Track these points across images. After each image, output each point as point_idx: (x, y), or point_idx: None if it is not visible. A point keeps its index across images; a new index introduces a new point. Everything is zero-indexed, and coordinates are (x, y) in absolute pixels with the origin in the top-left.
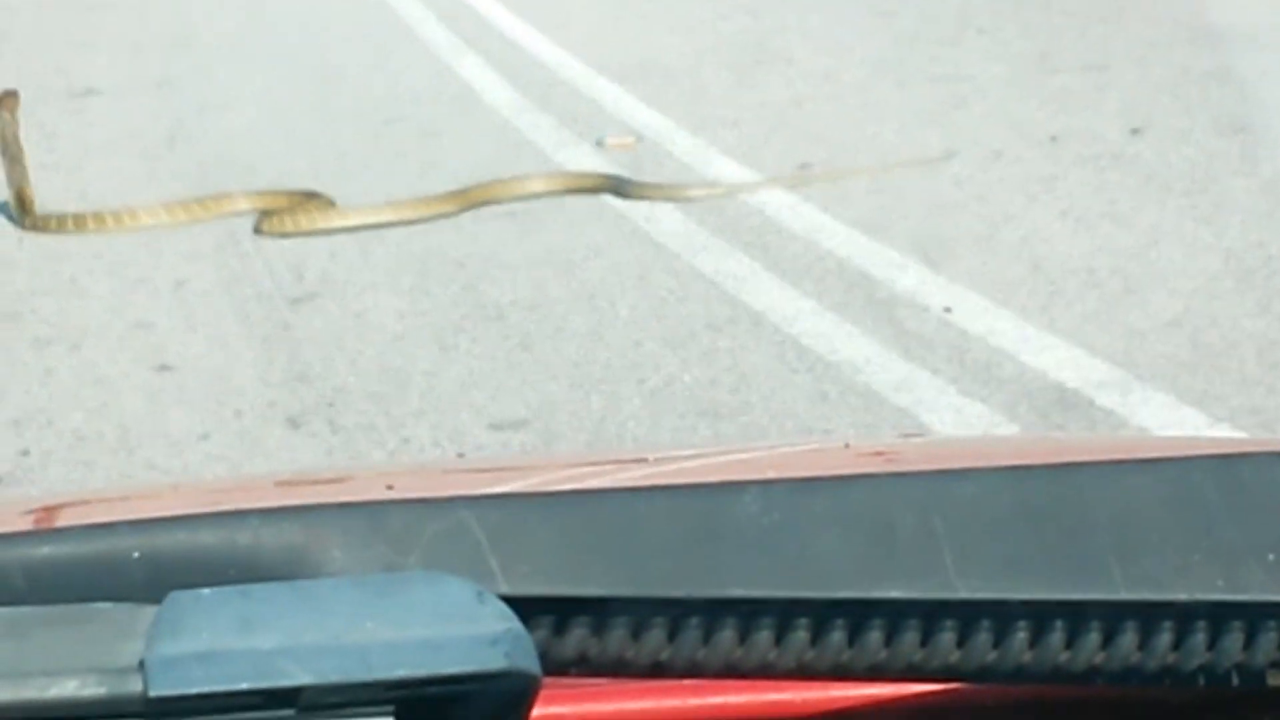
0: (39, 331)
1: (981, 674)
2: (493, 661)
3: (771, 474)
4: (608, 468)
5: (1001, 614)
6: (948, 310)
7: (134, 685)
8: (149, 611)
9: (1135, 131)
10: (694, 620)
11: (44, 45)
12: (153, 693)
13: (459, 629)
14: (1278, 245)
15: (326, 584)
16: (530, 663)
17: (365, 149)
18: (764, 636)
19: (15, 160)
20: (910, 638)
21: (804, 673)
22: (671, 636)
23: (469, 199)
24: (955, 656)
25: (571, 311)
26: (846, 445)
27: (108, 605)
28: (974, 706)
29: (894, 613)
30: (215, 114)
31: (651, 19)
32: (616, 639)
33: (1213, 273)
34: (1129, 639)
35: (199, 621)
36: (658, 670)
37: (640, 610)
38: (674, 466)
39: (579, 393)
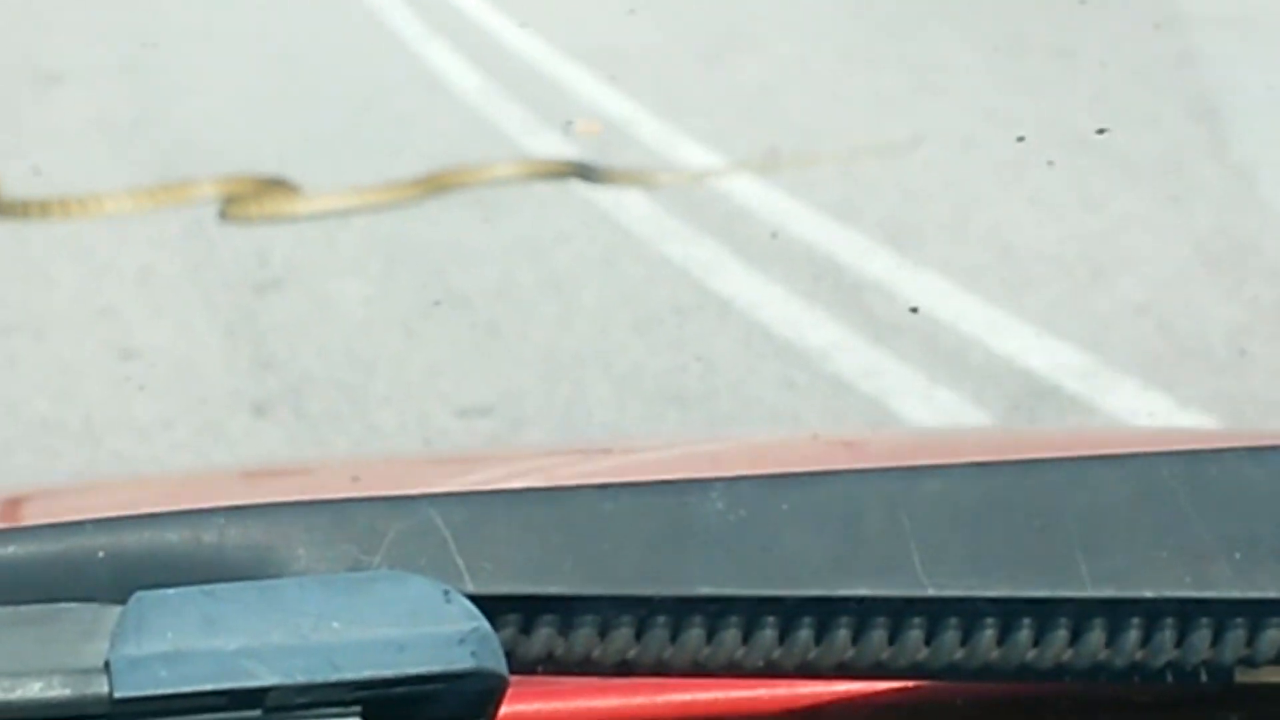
0: (3, 319)
1: (949, 672)
2: (460, 661)
3: (738, 467)
4: (573, 459)
5: (969, 611)
6: (914, 311)
7: (99, 686)
8: (114, 612)
9: (1101, 132)
10: (661, 619)
11: (8, 29)
12: (118, 694)
13: (425, 628)
14: (1246, 231)
15: (292, 583)
16: (497, 662)
17: (331, 135)
18: (731, 635)
19: None
20: (878, 635)
21: (771, 671)
22: (638, 635)
23: (435, 185)
24: (923, 654)
25: (539, 298)
26: (815, 436)
27: (72, 605)
28: (942, 704)
29: (861, 610)
30: (182, 100)
31: (620, 4)
32: (583, 638)
33: (1182, 259)
34: (1096, 636)
35: (164, 622)
36: (625, 669)
37: (607, 609)
38: (639, 458)
39: (546, 379)
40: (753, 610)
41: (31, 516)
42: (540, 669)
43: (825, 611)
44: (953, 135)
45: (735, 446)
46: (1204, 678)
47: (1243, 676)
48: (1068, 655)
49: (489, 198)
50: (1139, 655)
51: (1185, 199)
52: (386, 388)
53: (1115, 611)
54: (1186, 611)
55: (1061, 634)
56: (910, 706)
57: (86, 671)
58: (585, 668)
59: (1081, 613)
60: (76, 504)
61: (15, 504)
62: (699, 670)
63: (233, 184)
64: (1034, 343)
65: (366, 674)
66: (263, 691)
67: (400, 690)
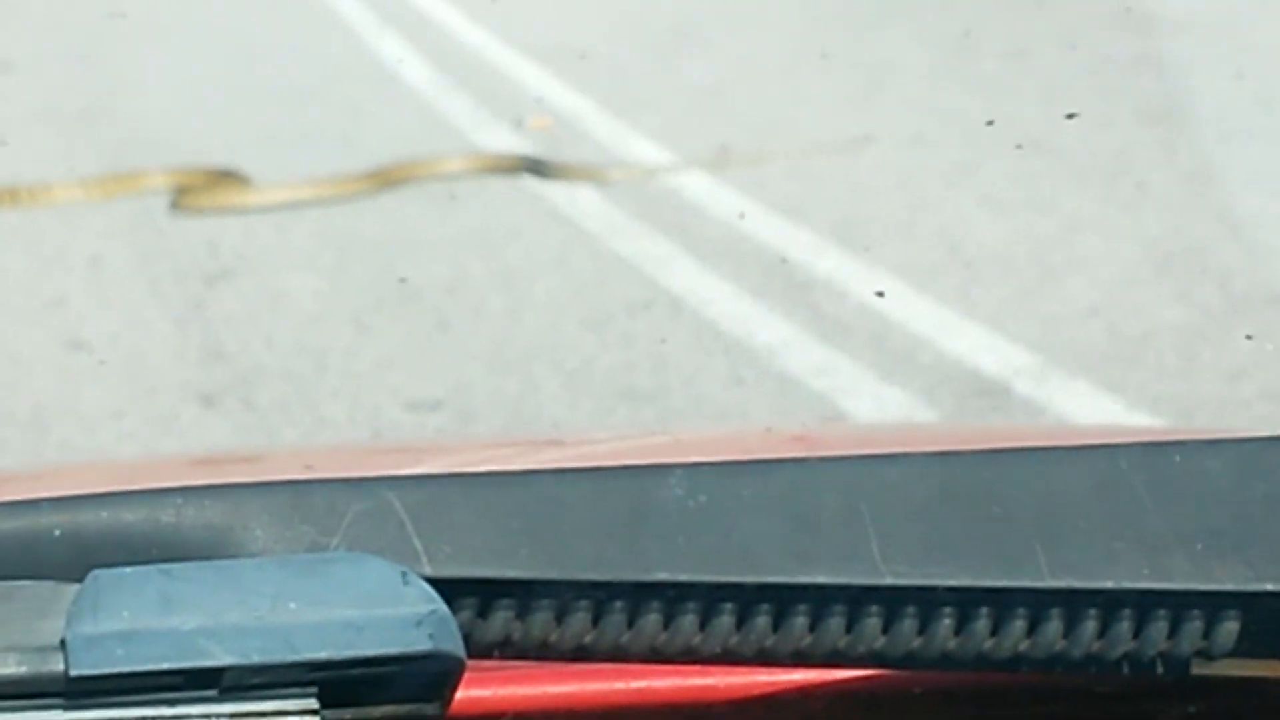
0: None
1: (906, 660)
2: (417, 643)
3: (695, 458)
4: (524, 449)
5: (927, 600)
6: (880, 295)
7: (55, 664)
8: (70, 590)
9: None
10: (618, 604)
11: None
12: (74, 672)
13: (383, 610)
14: (1197, 234)
15: (249, 564)
16: (454, 645)
17: (284, 127)
18: (689, 621)
19: None
20: (835, 623)
21: (729, 658)
22: (596, 620)
23: (387, 178)
24: (880, 643)
25: (489, 292)
26: (768, 430)
27: (28, 583)
28: (899, 693)
29: (819, 598)
30: (134, 91)
31: (570, 2)
32: (540, 622)
33: (1132, 261)
34: (1054, 626)
35: (121, 600)
36: (581, 654)
37: (564, 593)
38: (591, 449)
39: (496, 374)
40: (710, 596)
41: None
42: (497, 653)
43: (783, 599)
44: (904, 134)
45: (689, 439)
46: (1160, 669)
47: (1199, 669)
48: (1025, 645)
49: (440, 192)
50: (1096, 646)
51: (1136, 201)
52: (336, 380)
53: (1073, 602)
54: (1144, 603)
55: (1019, 624)
56: (867, 695)
57: (42, 649)
58: (542, 652)
59: (1039, 603)
60: (30, 487)
61: None
62: (656, 656)
63: (184, 175)
64: (984, 342)
65: (323, 655)
66: (219, 671)
67: (357, 671)
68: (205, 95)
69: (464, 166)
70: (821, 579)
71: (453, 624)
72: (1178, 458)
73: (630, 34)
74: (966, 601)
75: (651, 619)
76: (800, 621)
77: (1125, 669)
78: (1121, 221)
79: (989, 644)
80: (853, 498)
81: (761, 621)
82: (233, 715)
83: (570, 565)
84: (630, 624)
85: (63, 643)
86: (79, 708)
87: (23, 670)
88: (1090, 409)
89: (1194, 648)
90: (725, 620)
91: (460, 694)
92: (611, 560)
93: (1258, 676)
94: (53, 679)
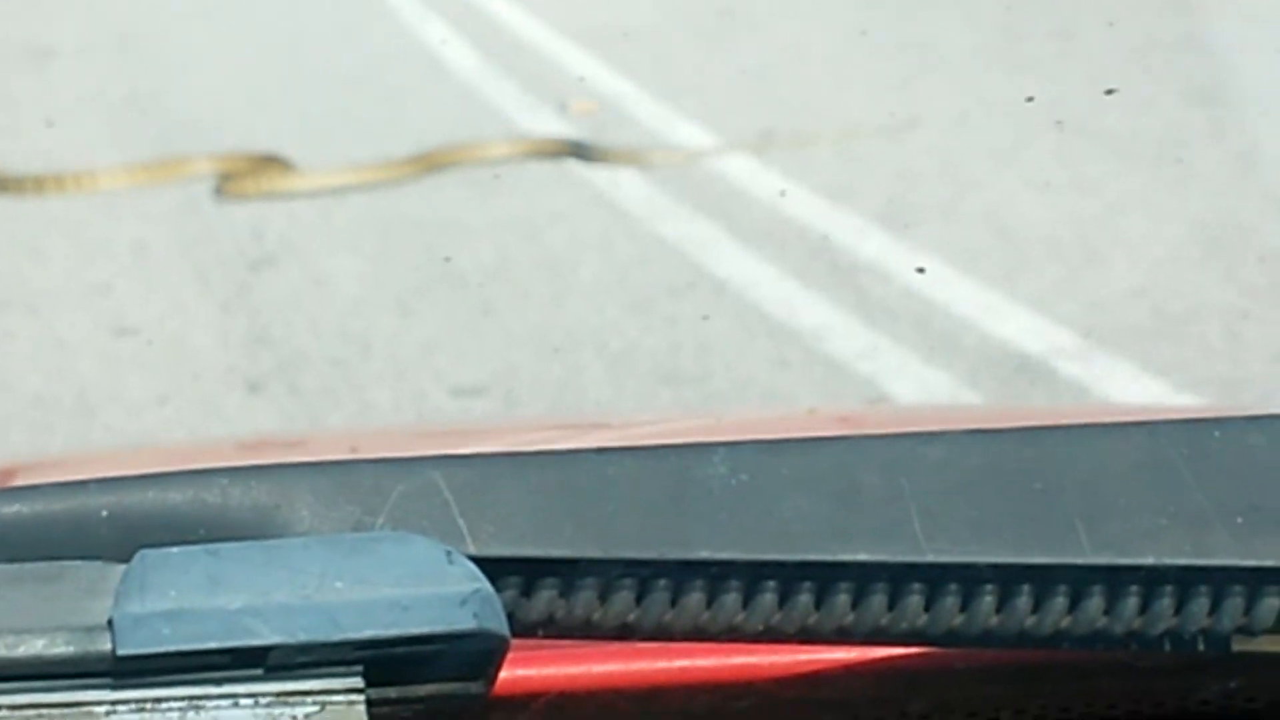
0: None
1: (948, 638)
2: (462, 622)
3: (738, 437)
4: (571, 432)
5: (968, 577)
6: (921, 271)
7: (102, 643)
8: (117, 570)
9: (1109, 91)
10: (662, 582)
11: (2, 2)
12: (121, 651)
13: (428, 589)
14: (1243, 215)
15: (295, 543)
16: (499, 624)
17: (328, 112)
18: (731, 599)
19: None
20: (877, 600)
21: (771, 635)
22: (639, 599)
23: (431, 163)
24: (922, 620)
25: (533, 277)
26: (811, 411)
27: (76, 563)
28: (940, 670)
29: (861, 575)
30: (177, 76)
31: None
32: (584, 601)
33: (1178, 242)
34: (1095, 603)
35: (167, 580)
36: (625, 633)
37: (608, 572)
38: (635, 430)
39: (540, 358)
40: (753, 574)
41: (33, 479)
42: (541, 632)
43: (825, 576)
44: (948, 115)
45: (733, 420)
46: (1201, 646)
47: (1240, 645)
48: (1066, 622)
49: (484, 176)
50: (1137, 623)
51: (1182, 182)
52: (381, 365)
53: (1114, 578)
54: (1185, 579)
55: (1060, 601)
56: (909, 672)
57: (90, 629)
58: (586, 631)
59: (1081, 579)
60: (78, 469)
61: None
62: (699, 635)
63: (228, 161)
64: (1028, 324)
65: (369, 633)
66: (265, 650)
67: (402, 650)
68: (249, 80)
69: (508, 151)
70: (863, 556)
71: (497, 602)
72: (1218, 434)
73: (673, 16)
74: (1008, 578)
75: (694, 597)
76: (842, 599)
77: (1166, 645)
78: (1168, 202)
79: (1030, 621)
80: (894, 475)
81: (804, 599)
82: (278, 694)
83: (613, 544)
84: (673, 602)
85: (110, 622)
86: (126, 686)
87: (70, 649)
88: (1135, 390)
89: (1235, 624)
90: (768, 598)
91: (503, 673)
92: (655, 538)
93: None
94: (100, 658)
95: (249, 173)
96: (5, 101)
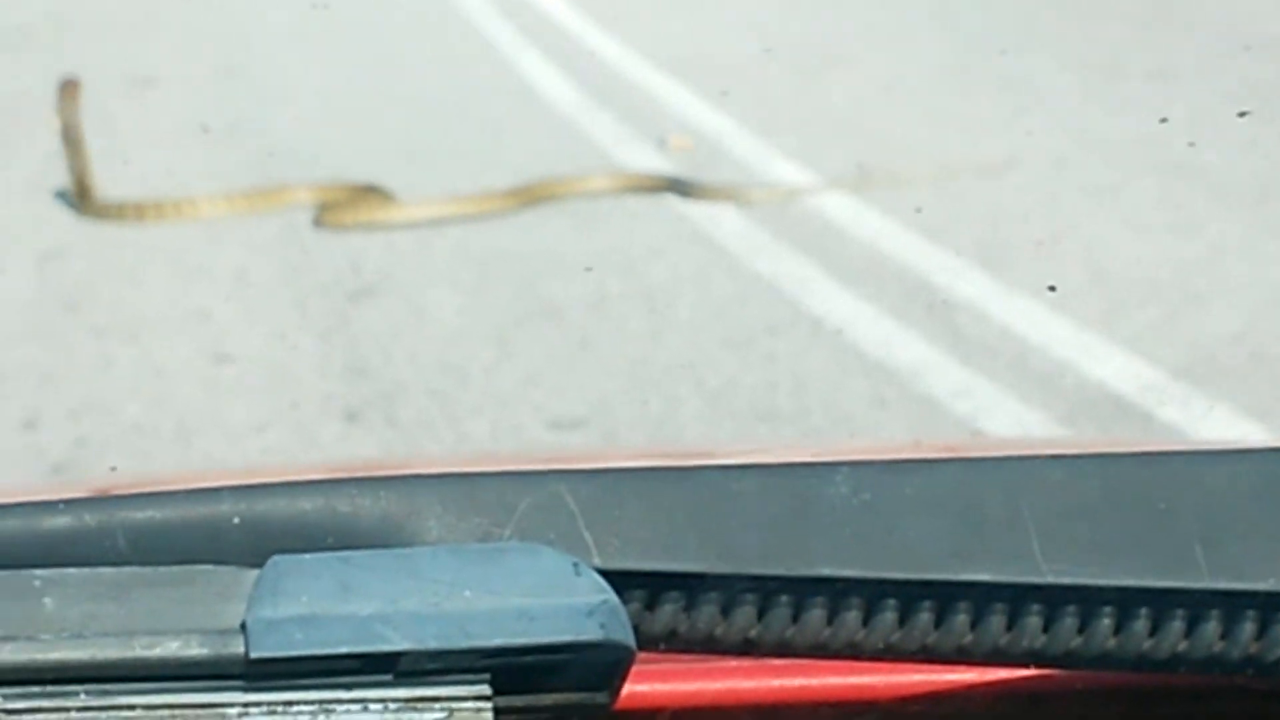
0: (97, 320)
1: (1066, 659)
2: (589, 632)
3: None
4: (676, 459)
5: (1087, 599)
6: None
7: (235, 646)
8: (250, 575)
9: (1192, 146)
10: (783, 598)
11: (105, 32)
12: (253, 654)
13: (556, 599)
14: None
15: (425, 552)
16: (625, 635)
17: (426, 143)
18: (852, 616)
19: (76, 147)
20: (996, 621)
21: (890, 654)
22: (761, 614)
23: (529, 195)
24: (1040, 641)
25: (631, 311)
26: (917, 443)
27: (209, 568)
28: (1058, 691)
29: (981, 596)
30: (276, 104)
31: (713, 16)
32: (707, 615)
33: (1277, 285)
34: (1212, 627)
35: (300, 585)
36: (747, 648)
37: (731, 587)
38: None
39: (638, 393)
40: (874, 592)
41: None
42: (664, 645)
43: (945, 596)
44: (1046, 156)
45: (840, 448)
46: None
47: None
48: (1184, 645)
49: (583, 210)
50: (1254, 647)
51: None
52: (479, 397)
53: (1232, 603)
54: None
55: (1178, 624)
56: (1027, 693)
57: (223, 632)
58: (708, 645)
59: (1199, 603)
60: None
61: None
62: (819, 651)
63: (328, 190)
64: (1126, 366)
65: (497, 642)
66: (395, 656)
67: (530, 659)
68: (348, 109)
69: (606, 185)
70: (983, 577)
71: (624, 614)
72: None
73: (770, 51)
74: (1126, 601)
75: (815, 614)
76: (962, 619)
77: None
78: (1267, 246)
79: (1148, 644)
80: (1014, 497)
81: (924, 618)
82: (407, 699)
83: (736, 559)
84: (795, 618)
85: (243, 626)
86: (258, 689)
87: (204, 651)
88: (1233, 435)
89: None
90: (888, 616)
91: (626, 686)
92: (777, 555)
93: None
94: (233, 660)
95: (348, 202)
96: (108, 128)
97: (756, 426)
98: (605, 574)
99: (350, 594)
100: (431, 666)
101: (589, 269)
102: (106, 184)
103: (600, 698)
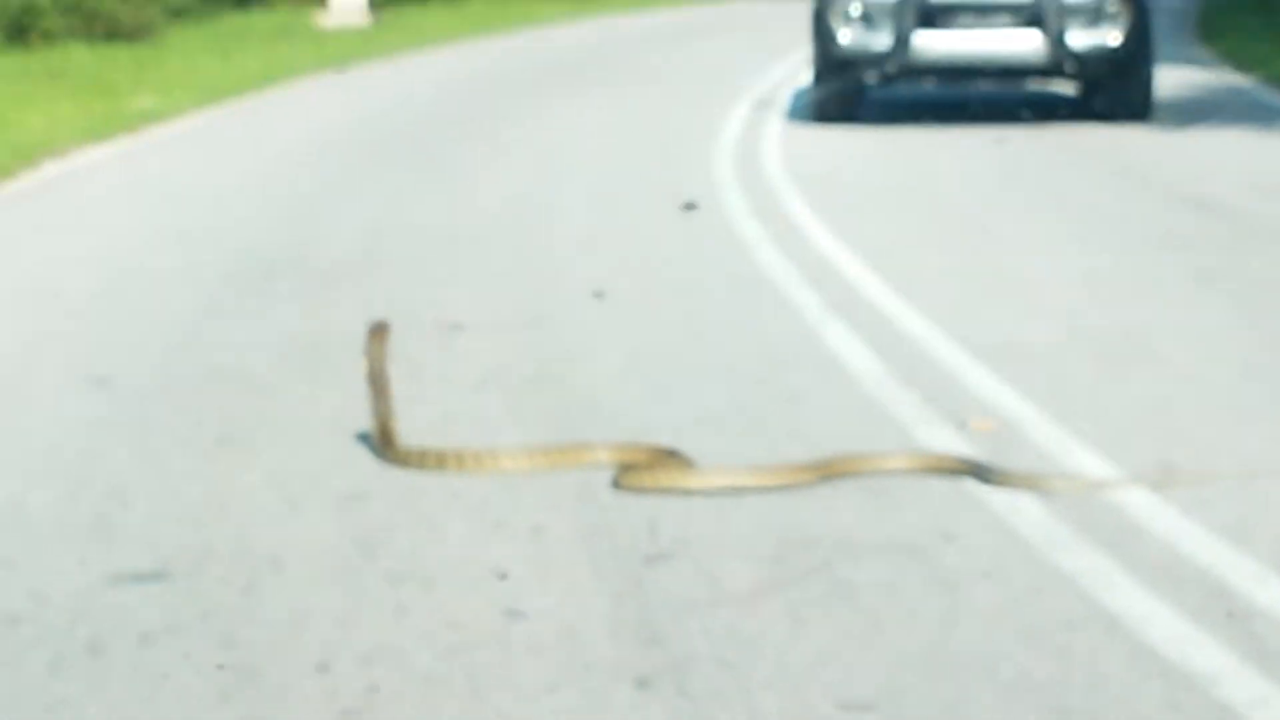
0: (393, 567)
1: None
2: None
3: None
4: None
5: None
6: None
7: None
8: None
9: None
10: None
11: (414, 276)
12: None
13: None
14: None
15: None
16: None
17: (726, 409)
18: None
19: (381, 392)
20: None
21: None
22: None
23: (829, 471)
24: None
25: (926, 596)
26: None
27: None
28: None
29: None
30: (579, 358)
31: (1018, 300)
32: None
33: None
34: None
35: None
36: None
37: None
38: None
39: (929, 679)
40: None
41: None
42: None
43: None
44: None
45: None
46: None
47: None
48: None
49: (881, 488)
50: None
51: None
52: (770, 671)
53: None
54: None
55: None
56: None
57: None
58: None
59: None
60: None
61: None
62: None
63: (628, 452)
64: None
65: None
66: None
67: None
68: (649, 367)
69: (906, 465)
70: None
71: None
72: None
73: (1074, 339)
74: None
75: None
76: None
77: None
78: None
79: None
80: None
81: None
82: None
83: None
84: None
85: None
86: None
87: None
88: None
89: None
90: None
91: None
92: None
93: None
94: None
95: (647, 466)
96: (413, 374)
97: None
98: None
99: None
100: None
101: (885, 549)
102: (408, 429)
103: None
